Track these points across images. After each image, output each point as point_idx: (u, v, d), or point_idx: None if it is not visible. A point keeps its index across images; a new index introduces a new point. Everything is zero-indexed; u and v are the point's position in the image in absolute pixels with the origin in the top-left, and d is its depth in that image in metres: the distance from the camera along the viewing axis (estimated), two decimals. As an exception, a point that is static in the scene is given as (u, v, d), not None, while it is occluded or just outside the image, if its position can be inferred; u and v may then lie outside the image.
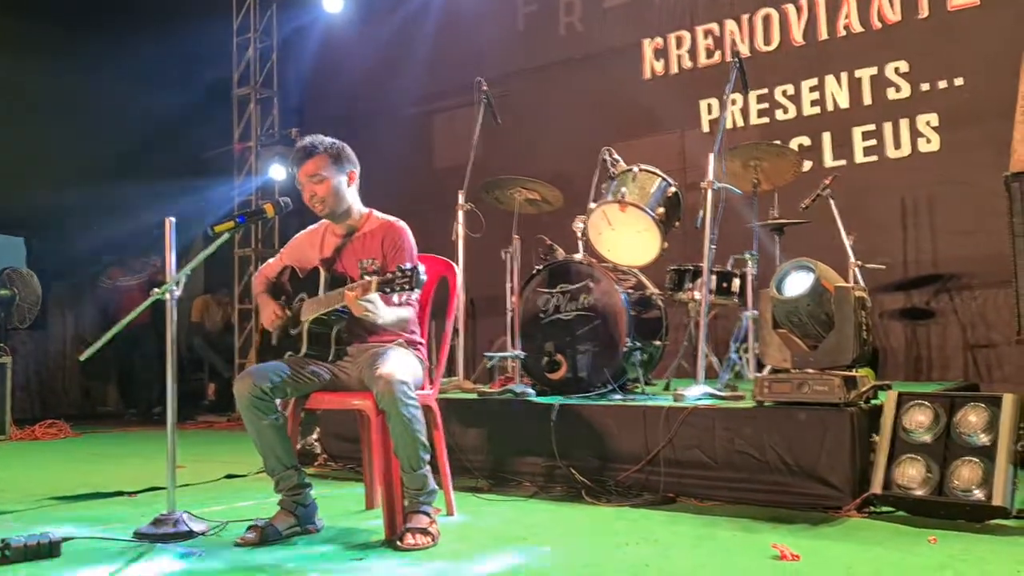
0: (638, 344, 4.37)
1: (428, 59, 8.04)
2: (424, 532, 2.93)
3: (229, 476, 4.66)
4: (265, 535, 3.03)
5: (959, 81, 5.72)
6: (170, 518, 3.14)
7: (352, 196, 3.33)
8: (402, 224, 3.33)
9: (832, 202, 5.06)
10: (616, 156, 4.75)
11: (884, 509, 3.28)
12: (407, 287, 2.82)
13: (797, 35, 6.40)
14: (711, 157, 4.34)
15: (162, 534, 3.08)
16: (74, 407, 9.28)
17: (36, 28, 8.49)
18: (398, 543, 2.90)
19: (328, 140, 3.29)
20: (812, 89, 6.31)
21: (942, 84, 5.78)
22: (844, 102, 6.18)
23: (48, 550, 2.85)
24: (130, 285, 8.78)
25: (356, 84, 8.68)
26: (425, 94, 8.25)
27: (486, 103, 5.39)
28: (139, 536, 3.10)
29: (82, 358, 3.45)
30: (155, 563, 2.81)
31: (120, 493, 4.16)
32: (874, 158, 6.02)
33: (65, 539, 2.96)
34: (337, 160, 3.26)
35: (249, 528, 3.06)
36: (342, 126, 3.68)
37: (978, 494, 3.06)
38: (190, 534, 3.10)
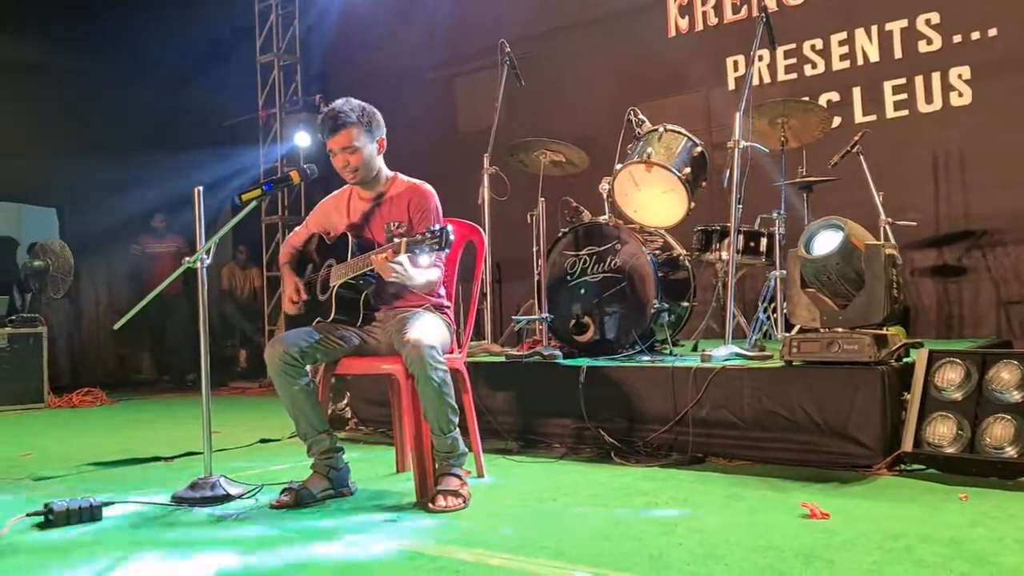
0: (666, 305, 4.36)
1: (450, 22, 7.99)
2: (455, 494, 2.97)
3: (263, 441, 4.74)
4: (300, 498, 3.08)
5: (992, 32, 5.58)
6: (207, 482, 3.20)
7: (380, 161, 3.33)
8: (428, 187, 3.32)
9: (862, 158, 4.98)
10: (641, 116, 4.70)
11: (915, 467, 3.28)
12: (436, 247, 2.82)
13: (825, -13, 6.27)
14: (737, 115, 4.27)
15: (199, 497, 3.14)
16: (109, 375, 9.45)
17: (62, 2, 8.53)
18: (429, 505, 2.94)
19: (359, 106, 3.25)
20: (841, 43, 6.19)
21: (975, 35, 5.64)
22: (874, 56, 6.05)
23: (90, 514, 2.93)
24: (161, 252, 8.88)
25: (378, 48, 8.63)
26: (447, 57, 8.20)
27: (509, 65, 5.35)
28: (177, 500, 3.16)
29: (116, 327, 3.49)
30: (194, 526, 2.87)
31: (157, 458, 4.25)
32: (905, 112, 5.91)
33: (105, 503, 3.03)
34: (369, 129, 3.24)
35: (284, 491, 3.11)
36: (365, 91, 3.65)
37: (1010, 451, 3.04)
38: (227, 497, 3.17)
